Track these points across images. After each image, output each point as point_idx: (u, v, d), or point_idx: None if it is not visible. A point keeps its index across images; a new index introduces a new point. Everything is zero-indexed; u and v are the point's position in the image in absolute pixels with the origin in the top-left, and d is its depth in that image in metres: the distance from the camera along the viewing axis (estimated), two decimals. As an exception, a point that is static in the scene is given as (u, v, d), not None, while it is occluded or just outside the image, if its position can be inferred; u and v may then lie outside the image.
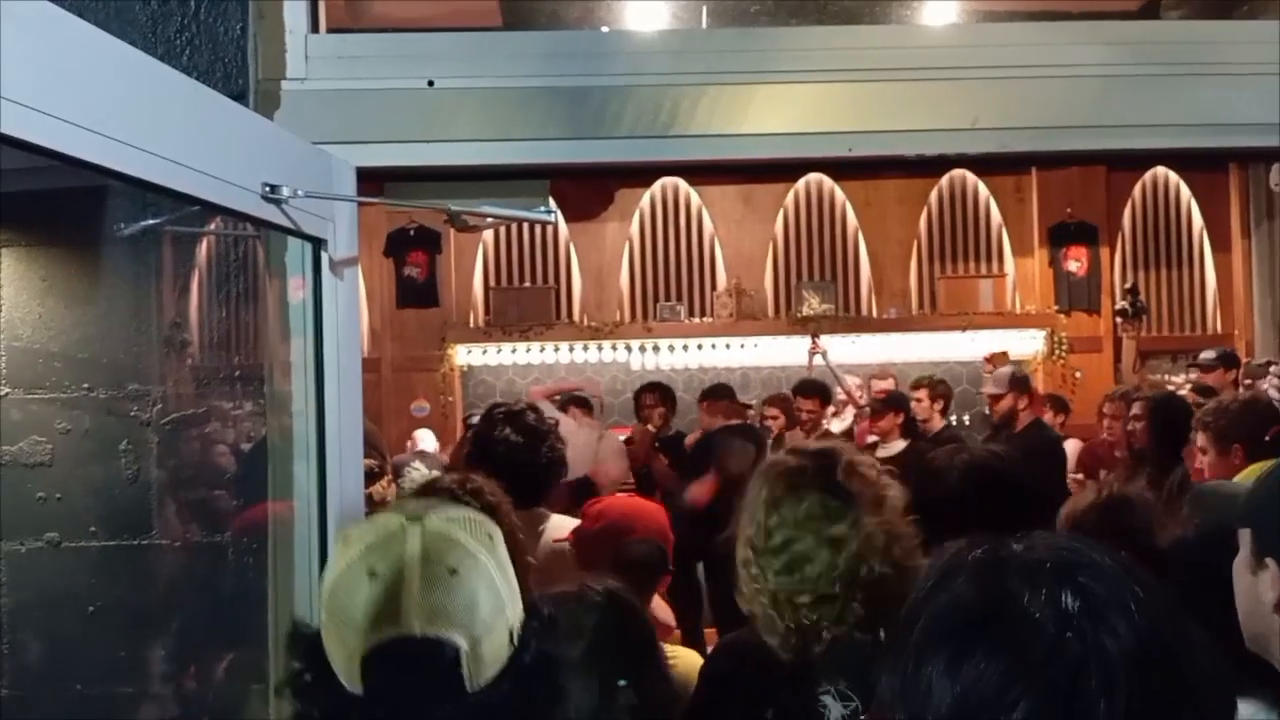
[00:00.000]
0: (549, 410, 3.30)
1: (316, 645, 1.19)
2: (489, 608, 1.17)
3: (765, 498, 1.74)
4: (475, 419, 6.33)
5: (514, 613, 1.21)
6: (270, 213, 1.77)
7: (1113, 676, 0.81)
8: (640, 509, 2.88)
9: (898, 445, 5.68)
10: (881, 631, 1.64)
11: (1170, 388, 5.93)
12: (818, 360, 6.99)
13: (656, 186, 8.35)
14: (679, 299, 8.32)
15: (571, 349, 8.10)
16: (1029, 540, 0.91)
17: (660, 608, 2.80)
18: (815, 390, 6.46)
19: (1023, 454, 3.00)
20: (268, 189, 1.73)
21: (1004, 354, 6.73)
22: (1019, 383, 5.63)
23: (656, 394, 6.72)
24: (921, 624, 0.89)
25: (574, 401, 6.59)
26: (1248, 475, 1.89)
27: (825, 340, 7.16)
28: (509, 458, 2.85)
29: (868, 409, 6.19)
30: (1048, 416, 6.25)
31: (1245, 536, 1.33)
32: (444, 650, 1.13)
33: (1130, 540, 2.15)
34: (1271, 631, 1.27)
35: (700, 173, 8.08)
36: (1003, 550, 0.90)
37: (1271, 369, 5.76)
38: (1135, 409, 4.70)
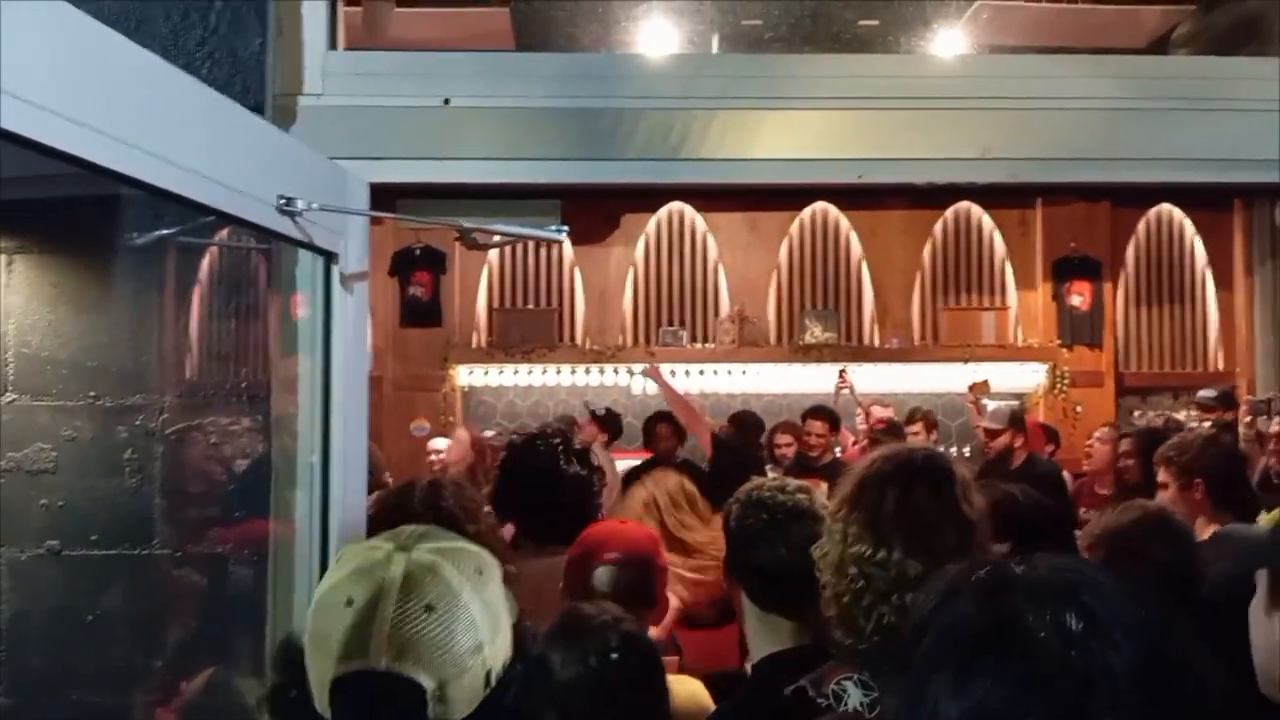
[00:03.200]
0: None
1: (303, 663, 1.19)
2: (464, 648, 1.15)
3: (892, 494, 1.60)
4: (488, 433, 6.33)
5: (495, 653, 1.19)
6: (284, 225, 1.78)
7: (1119, 693, 0.81)
8: (616, 532, 2.48)
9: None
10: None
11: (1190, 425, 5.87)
12: (844, 394, 6.96)
13: (662, 212, 8.38)
14: (681, 324, 8.33)
15: (573, 372, 8.10)
16: (1030, 562, 0.91)
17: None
18: (823, 414, 6.36)
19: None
20: (283, 201, 1.74)
21: (985, 383, 6.63)
22: (1017, 420, 5.59)
23: (670, 424, 6.47)
24: (926, 643, 0.89)
25: (596, 419, 6.52)
26: (1272, 519, 1.88)
27: (828, 369, 7.13)
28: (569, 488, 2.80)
29: (865, 439, 6.17)
30: (1037, 445, 6.15)
31: (1262, 578, 1.32)
32: (408, 688, 1.12)
33: (1166, 559, 2.16)
34: None
35: (710, 196, 8.10)
36: (1005, 571, 0.91)
37: (1273, 405, 5.75)
38: (1124, 445, 4.70)
